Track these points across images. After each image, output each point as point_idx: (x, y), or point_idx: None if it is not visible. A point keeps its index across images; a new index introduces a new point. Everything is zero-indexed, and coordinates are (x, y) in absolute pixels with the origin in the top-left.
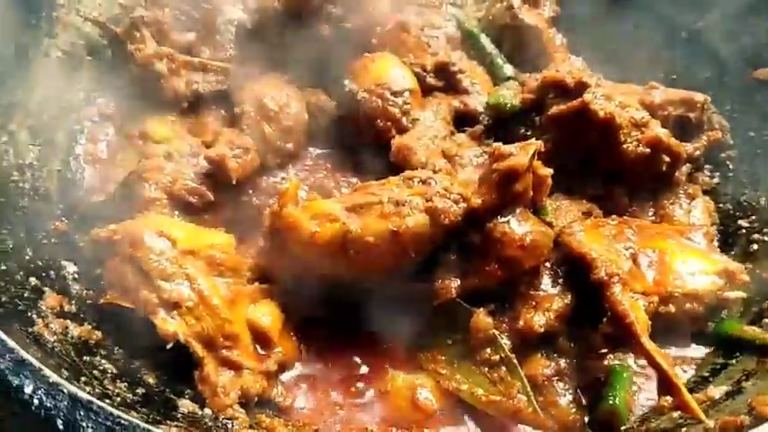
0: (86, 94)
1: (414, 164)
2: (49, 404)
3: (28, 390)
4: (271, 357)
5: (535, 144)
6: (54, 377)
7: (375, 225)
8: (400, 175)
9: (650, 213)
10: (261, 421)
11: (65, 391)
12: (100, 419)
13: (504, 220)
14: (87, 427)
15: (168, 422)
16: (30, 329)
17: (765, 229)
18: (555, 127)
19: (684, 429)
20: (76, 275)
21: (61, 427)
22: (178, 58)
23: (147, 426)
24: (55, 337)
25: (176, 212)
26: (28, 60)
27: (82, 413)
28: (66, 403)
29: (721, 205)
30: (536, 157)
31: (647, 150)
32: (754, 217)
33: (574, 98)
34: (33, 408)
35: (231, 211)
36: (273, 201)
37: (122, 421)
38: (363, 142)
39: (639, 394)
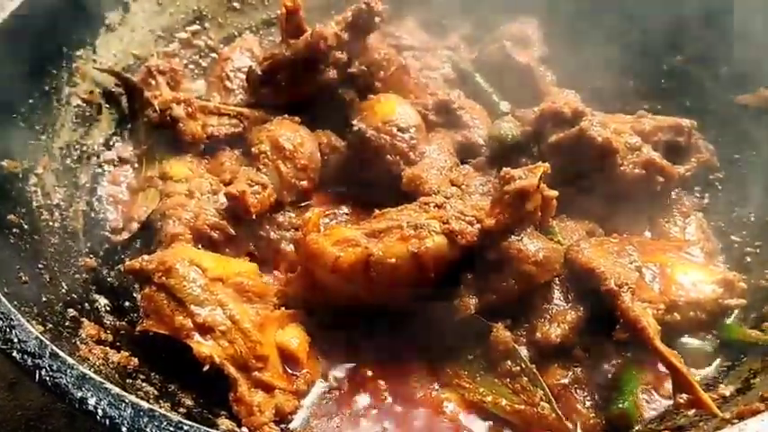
0: (105, 140)
1: (426, 192)
2: (113, 414)
3: (91, 401)
4: (300, 378)
5: (543, 166)
6: (115, 389)
7: (396, 248)
8: (416, 202)
9: (647, 232)
10: None
11: (127, 401)
12: (163, 425)
13: (517, 238)
14: None
15: None
16: (76, 354)
17: (757, 243)
18: (555, 154)
19: (701, 424)
20: (108, 308)
21: None
22: (194, 102)
23: (208, 429)
24: (99, 361)
25: (199, 247)
26: (50, 108)
27: (145, 420)
28: (129, 412)
29: (713, 223)
30: (542, 180)
31: (643, 172)
32: (744, 232)
33: (571, 126)
34: (98, 418)
35: (250, 245)
36: (291, 234)
37: (185, 427)
38: (374, 177)
39: (654, 396)
